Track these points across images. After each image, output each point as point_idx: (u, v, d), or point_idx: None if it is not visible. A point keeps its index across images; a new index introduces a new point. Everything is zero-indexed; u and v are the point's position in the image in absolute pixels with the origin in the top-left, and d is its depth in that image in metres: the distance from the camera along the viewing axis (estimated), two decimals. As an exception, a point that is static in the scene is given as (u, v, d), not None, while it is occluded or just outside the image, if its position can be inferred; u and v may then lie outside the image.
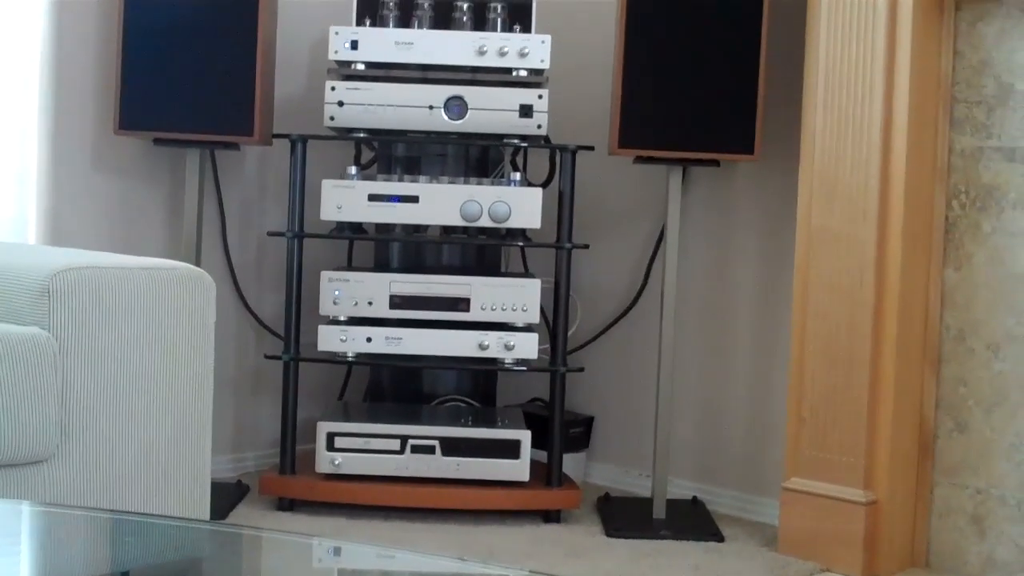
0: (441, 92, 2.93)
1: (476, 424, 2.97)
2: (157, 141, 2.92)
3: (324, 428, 2.91)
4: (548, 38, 2.94)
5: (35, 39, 2.87)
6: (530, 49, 2.93)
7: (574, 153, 2.97)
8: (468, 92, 2.93)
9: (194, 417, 2.00)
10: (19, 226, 2.87)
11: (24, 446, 1.78)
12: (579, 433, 3.37)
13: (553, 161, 3.24)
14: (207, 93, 2.85)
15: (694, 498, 3.15)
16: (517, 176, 2.96)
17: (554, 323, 3.01)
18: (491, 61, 2.94)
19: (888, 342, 2.61)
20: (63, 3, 2.91)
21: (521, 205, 2.91)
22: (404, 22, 3.04)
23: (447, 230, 3.05)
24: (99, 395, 1.88)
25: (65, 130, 2.94)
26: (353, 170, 2.94)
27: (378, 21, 3.03)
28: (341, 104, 2.92)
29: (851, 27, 2.61)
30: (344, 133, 3.00)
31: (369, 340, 2.91)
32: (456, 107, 2.94)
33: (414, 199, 2.90)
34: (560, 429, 2.99)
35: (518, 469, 2.93)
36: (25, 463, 1.80)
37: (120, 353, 1.90)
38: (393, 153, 3.18)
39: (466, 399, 3.23)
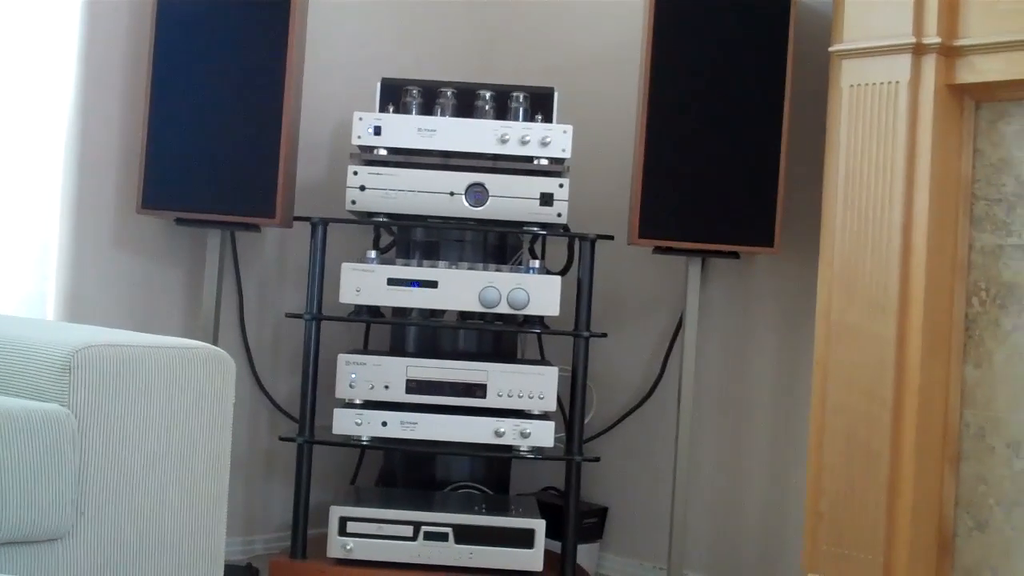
0: (462, 179, 2.95)
1: (490, 512, 2.94)
2: (179, 221, 2.94)
3: (337, 512, 2.88)
4: (570, 128, 2.96)
5: (61, 117, 2.91)
6: (551, 138, 2.95)
7: (593, 242, 2.97)
8: (489, 179, 2.95)
9: (209, 498, 1.99)
10: (37, 302, 2.88)
11: (39, 523, 1.76)
12: (593, 523, 3.34)
13: (572, 249, 3.25)
14: (230, 174, 2.87)
15: (708, 593, 3.11)
16: (536, 263, 2.97)
17: (571, 411, 2.99)
18: (512, 149, 2.96)
19: (907, 438, 2.59)
20: (89, 81, 2.95)
21: (539, 292, 2.91)
22: (427, 109, 3.07)
23: (464, 315, 3.05)
24: (116, 474, 1.86)
25: (87, 208, 2.96)
26: (372, 254, 2.95)
27: (401, 108, 3.07)
28: (363, 188, 2.93)
29: (872, 125, 2.62)
30: (365, 217, 3.01)
31: (384, 424, 2.90)
32: (477, 194, 2.95)
33: (433, 284, 2.91)
34: (575, 519, 2.96)
35: (532, 559, 2.89)
36: (40, 541, 1.78)
37: (138, 432, 1.89)
38: (413, 238, 3.19)
39: (479, 486, 3.21)
